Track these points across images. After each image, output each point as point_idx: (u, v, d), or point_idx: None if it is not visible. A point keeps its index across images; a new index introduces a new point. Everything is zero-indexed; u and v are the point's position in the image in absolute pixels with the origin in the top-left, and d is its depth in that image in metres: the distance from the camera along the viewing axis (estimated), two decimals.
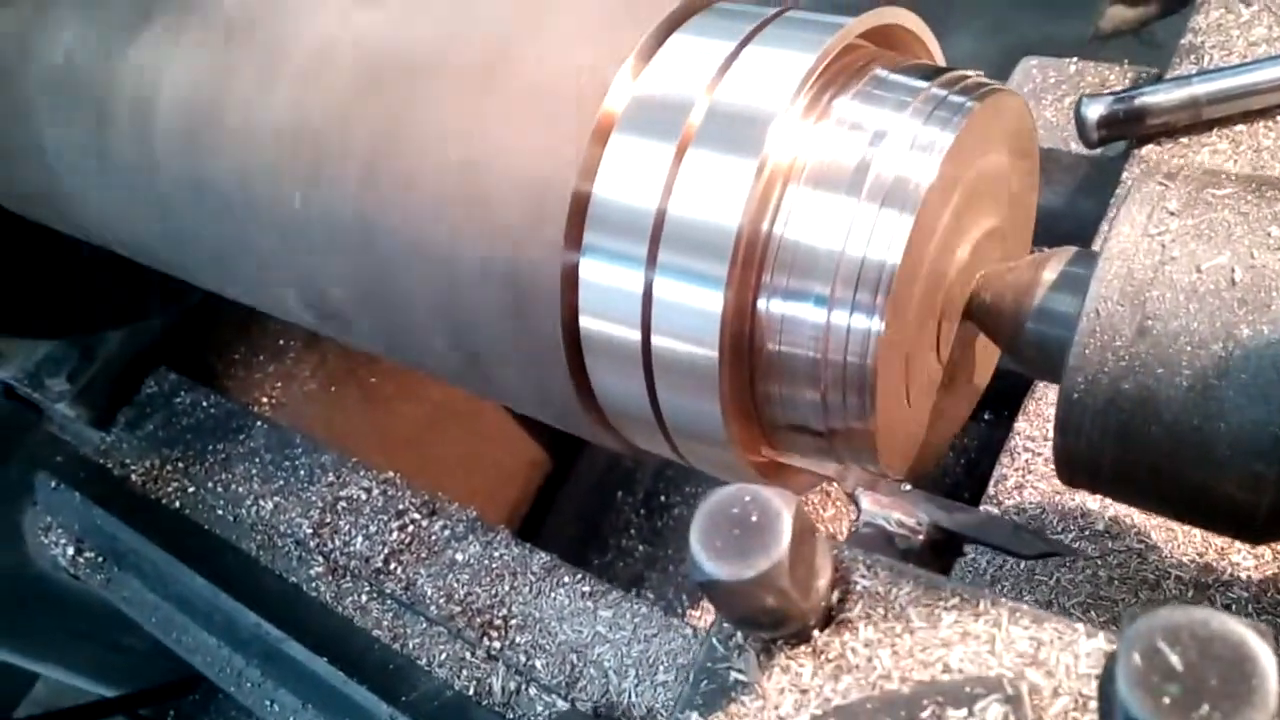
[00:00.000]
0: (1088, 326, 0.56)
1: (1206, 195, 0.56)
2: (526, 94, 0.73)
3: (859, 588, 0.53)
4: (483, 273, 0.74)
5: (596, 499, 2.27)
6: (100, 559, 1.49)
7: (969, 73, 0.69)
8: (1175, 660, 0.37)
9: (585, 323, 0.71)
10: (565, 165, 0.70)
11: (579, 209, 0.69)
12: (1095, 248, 1.11)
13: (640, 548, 2.28)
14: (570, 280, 0.71)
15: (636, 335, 0.69)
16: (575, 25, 0.74)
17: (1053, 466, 0.98)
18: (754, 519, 0.48)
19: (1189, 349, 0.53)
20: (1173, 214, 0.56)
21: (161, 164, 0.92)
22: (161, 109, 0.91)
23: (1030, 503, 0.99)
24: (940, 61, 0.78)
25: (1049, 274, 0.64)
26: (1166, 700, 0.36)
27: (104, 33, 0.98)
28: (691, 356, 0.66)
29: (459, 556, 1.30)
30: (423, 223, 0.76)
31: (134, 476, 1.50)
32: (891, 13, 0.71)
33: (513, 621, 1.23)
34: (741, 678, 0.52)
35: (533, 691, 1.19)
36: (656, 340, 0.68)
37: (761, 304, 0.66)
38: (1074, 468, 0.60)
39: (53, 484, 1.54)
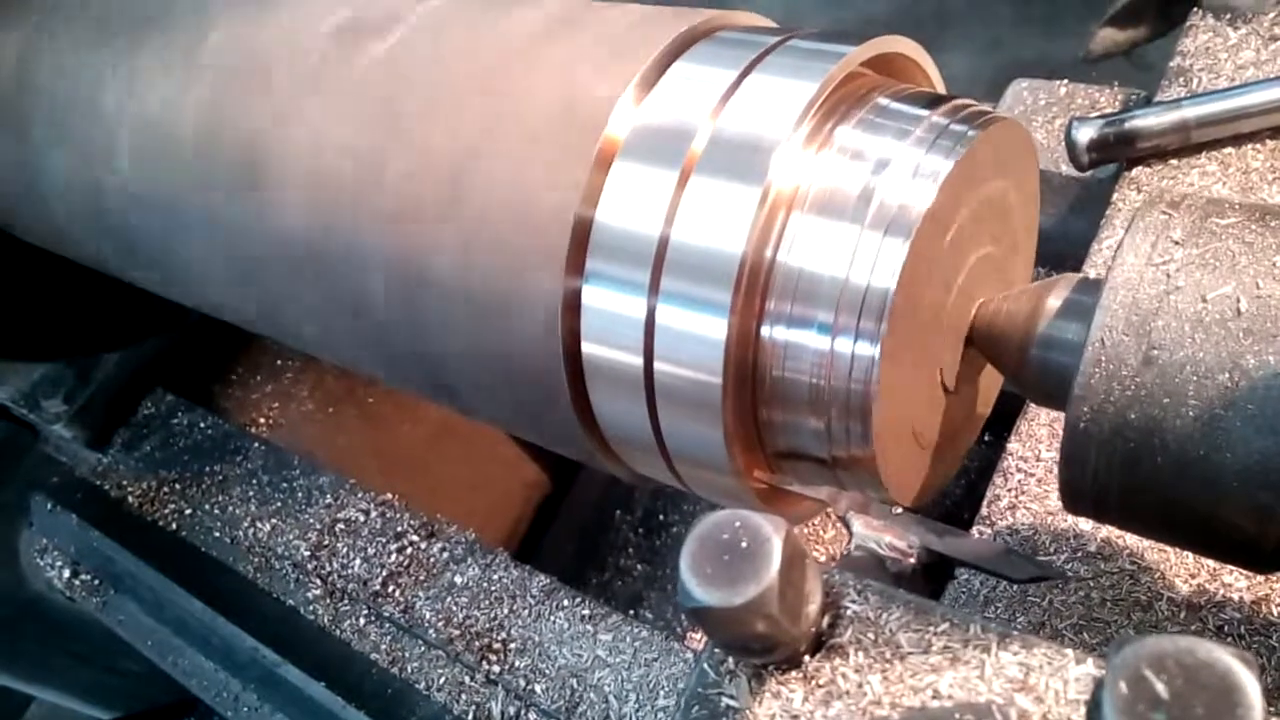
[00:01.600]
0: (1093, 356, 0.56)
1: (1211, 224, 0.56)
2: (528, 121, 0.73)
3: (849, 613, 0.53)
4: (484, 299, 0.74)
5: (595, 518, 2.26)
6: (96, 581, 1.49)
7: (970, 101, 0.69)
8: (1161, 688, 0.37)
9: (587, 349, 0.71)
10: (567, 192, 0.70)
11: (581, 235, 0.69)
12: (1087, 269, 1.12)
13: (639, 567, 2.27)
14: (572, 306, 0.71)
15: (639, 361, 0.69)
16: (577, 53, 0.75)
17: (1045, 487, 0.99)
18: (744, 545, 0.47)
19: (1195, 379, 0.53)
20: (1177, 243, 0.56)
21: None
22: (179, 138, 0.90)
23: (1023, 523, 0.99)
24: (941, 88, 0.78)
25: (1053, 301, 0.64)
26: None
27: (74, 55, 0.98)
28: (695, 383, 0.66)
29: (458, 579, 1.29)
30: (423, 249, 0.76)
31: (130, 498, 1.50)
32: (893, 41, 0.72)
33: (512, 645, 1.22)
34: (733, 703, 0.52)
35: (532, 716, 1.18)
36: (659, 366, 0.68)
37: (765, 331, 0.66)
38: (1079, 497, 0.60)
39: (49, 506, 1.53)
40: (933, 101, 0.68)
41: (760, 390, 0.67)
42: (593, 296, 0.70)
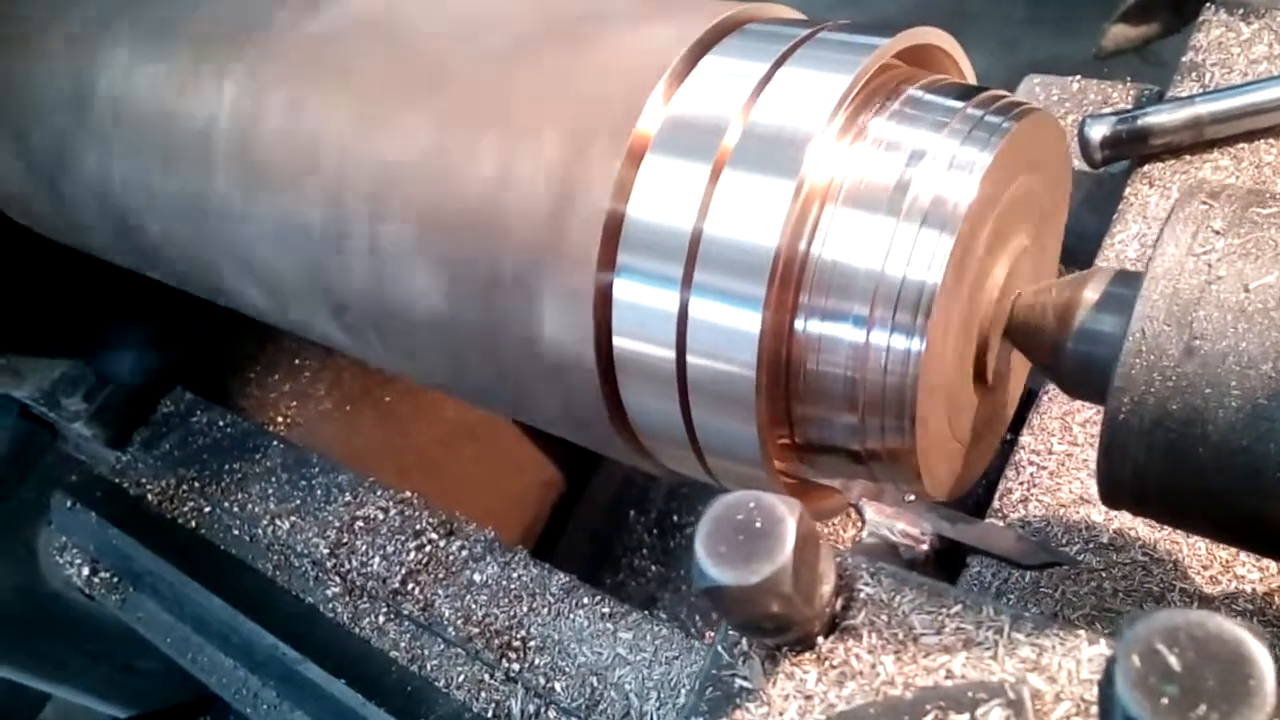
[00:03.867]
0: (1133, 347, 0.56)
1: (1252, 214, 0.56)
2: (558, 115, 0.73)
3: (863, 595, 0.54)
4: (515, 292, 0.74)
5: (609, 519, 2.26)
6: (116, 579, 1.49)
7: (1004, 92, 0.69)
8: (1173, 661, 0.37)
9: (619, 343, 0.71)
10: (598, 186, 0.70)
11: (612, 229, 0.69)
12: (1099, 264, 1.12)
13: (653, 568, 2.27)
14: (603, 300, 0.70)
15: (671, 355, 0.69)
16: (606, 48, 0.75)
17: (1057, 480, 0.99)
18: (758, 525, 0.48)
19: (1238, 369, 0.53)
20: (1218, 233, 0.56)
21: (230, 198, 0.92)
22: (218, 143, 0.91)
23: (1035, 515, 0.99)
24: (971, 79, 0.78)
25: (1090, 293, 0.63)
26: (1165, 700, 0.36)
27: (155, 66, 0.98)
28: (728, 376, 0.66)
29: (477, 577, 1.29)
30: (455, 243, 0.76)
31: (150, 496, 1.50)
32: (924, 33, 0.71)
33: (531, 643, 1.22)
34: (746, 684, 0.53)
35: (552, 714, 1.18)
36: (692, 360, 0.68)
37: (799, 324, 0.65)
38: (1118, 490, 0.60)
39: (68, 504, 1.53)
40: (966, 93, 0.68)
41: (794, 384, 0.67)
42: (624, 290, 0.70)
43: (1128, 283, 0.62)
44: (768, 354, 0.65)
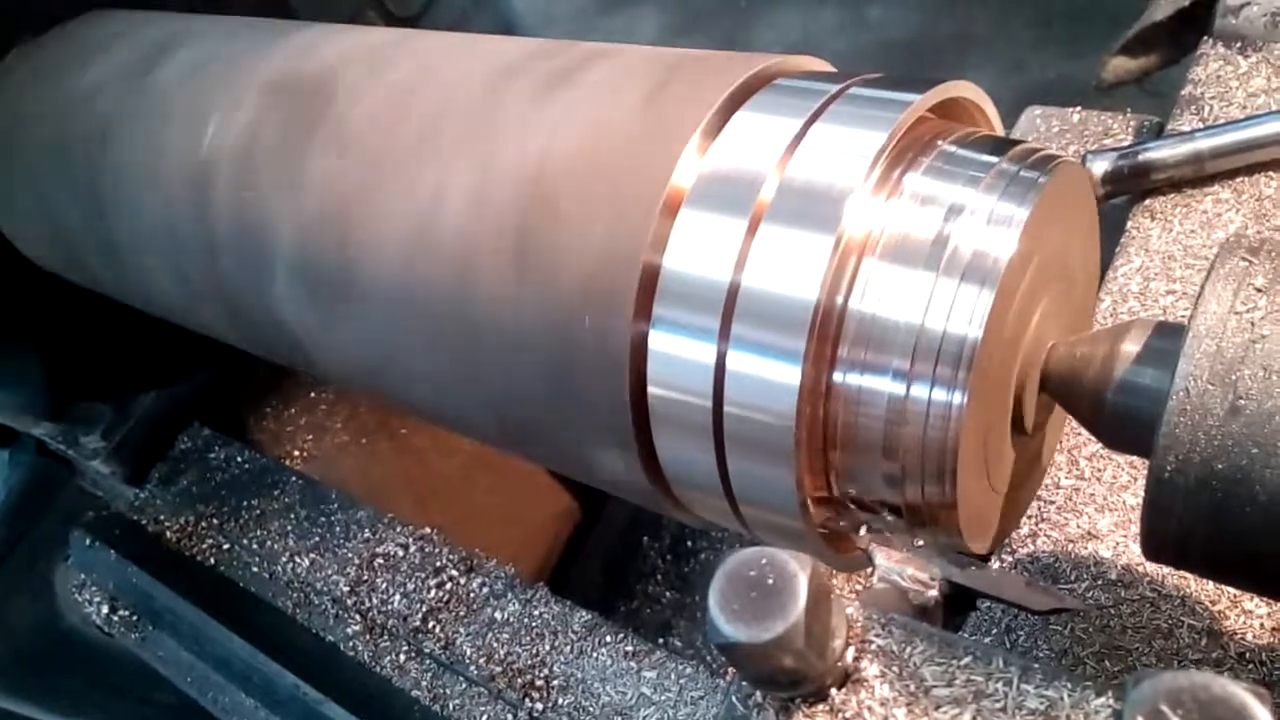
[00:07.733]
0: (1177, 405, 0.56)
1: None
2: (593, 167, 0.73)
3: (874, 647, 0.55)
4: (550, 342, 0.74)
5: (622, 545, 2.26)
6: (135, 617, 1.48)
7: (1036, 145, 0.69)
8: None
9: (654, 392, 0.71)
10: (634, 238, 0.70)
11: (649, 281, 0.70)
12: (1103, 296, 1.13)
13: (667, 594, 2.27)
14: (639, 351, 0.71)
15: (708, 406, 0.69)
16: (639, 102, 0.75)
17: (1065, 515, 0.99)
18: (770, 581, 0.49)
19: None
20: (1260, 291, 0.56)
21: (224, 248, 0.92)
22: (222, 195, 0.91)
23: (1043, 551, 0.99)
24: (999, 129, 0.78)
25: (1130, 346, 0.63)
26: None
27: (150, 111, 0.99)
28: (766, 428, 0.66)
29: (498, 615, 1.29)
30: (491, 295, 0.76)
31: (168, 533, 1.50)
32: (955, 86, 0.72)
33: (555, 682, 1.21)
34: None
35: None
36: (730, 411, 0.68)
37: (838, 377, 0.66)
38: (1162, 546, 0.60)
39: (87, 541, 1.53)
40: (999, 147, 0.68)
41: (832, 437, 0.67)
42: (660, 342, 0.70)
43: (1167, 336, 0.62)
44: (806, 406, 0.65)
